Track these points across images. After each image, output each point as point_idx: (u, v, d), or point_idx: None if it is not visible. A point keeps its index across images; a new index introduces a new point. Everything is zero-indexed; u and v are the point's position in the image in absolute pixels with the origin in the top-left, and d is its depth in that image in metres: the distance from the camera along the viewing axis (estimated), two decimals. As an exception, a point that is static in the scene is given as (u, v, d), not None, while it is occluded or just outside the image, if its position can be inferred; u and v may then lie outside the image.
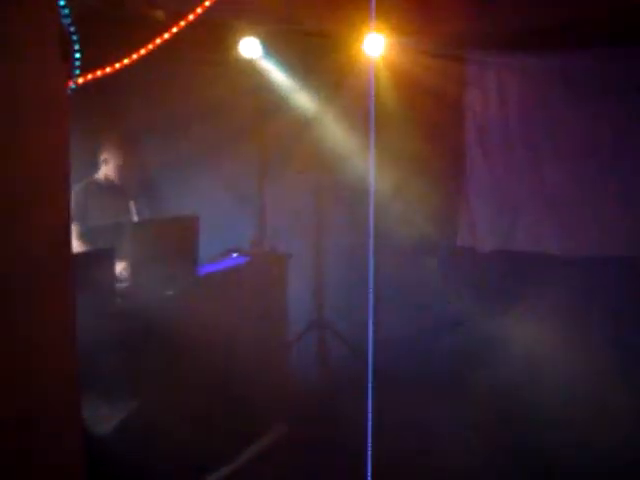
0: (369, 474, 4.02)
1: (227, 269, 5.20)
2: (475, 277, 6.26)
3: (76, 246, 4.44)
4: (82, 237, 4.77)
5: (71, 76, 2.42)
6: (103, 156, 5.19)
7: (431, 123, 6.17)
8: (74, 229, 4.87)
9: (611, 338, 5.58)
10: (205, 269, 5.03)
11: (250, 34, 5.85)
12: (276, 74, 5.94)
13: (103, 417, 3.21)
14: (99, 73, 2.92)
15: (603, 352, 5.37)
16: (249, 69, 5.91)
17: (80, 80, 2.53)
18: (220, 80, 5.88)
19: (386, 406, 5.59)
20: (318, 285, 6.29)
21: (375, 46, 5.73)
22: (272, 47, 5.90)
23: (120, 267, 4.45)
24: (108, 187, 5.18)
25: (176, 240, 4.53)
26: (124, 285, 4.31)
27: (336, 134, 6.02)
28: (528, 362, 5.64)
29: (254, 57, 5.91)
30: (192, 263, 4.64)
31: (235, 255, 5.70)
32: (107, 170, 5.16)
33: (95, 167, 5.23)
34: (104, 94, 6.07)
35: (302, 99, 6.01)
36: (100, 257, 4.06)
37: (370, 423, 4.32)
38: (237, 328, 5.07)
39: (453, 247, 6.44)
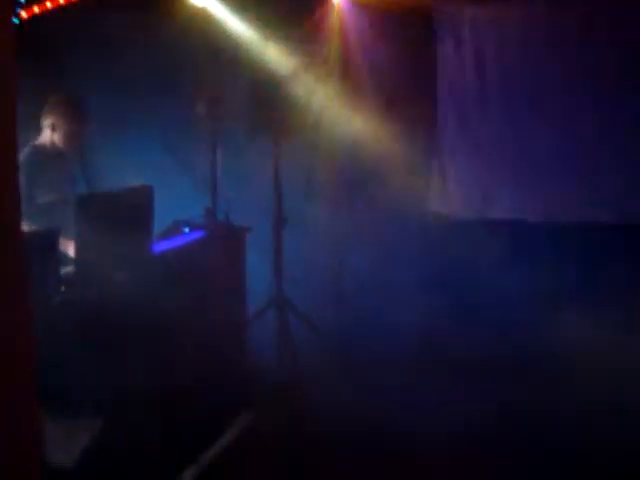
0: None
1: (181, 247, 4.64)
2: (448, 248, 5.86)
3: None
4: (28, 216, 4.14)
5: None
6: (49, 120, 4.57)
7: (401, 75, 5.69)
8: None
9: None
10: (157, 246, 4.46)
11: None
12: (232, 24, 5.33)
13: (61, 445, 2.63)
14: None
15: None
16: (200, 18, 5.27)
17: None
18: (168, 32, 5.27)
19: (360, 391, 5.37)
20: (277, 260, 5.78)
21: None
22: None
23: (64, 248, 3.87)
24: (55, 155, 4.59)
25: (128, 215, 3.93)
26: (70, 270, 3.73)
27: (299, 89, 5.46)
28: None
29: (205, 3, 5.28)
30: (146, 240, 4.06)
31: (187, 230, 5.15)
32: (54, 136, 4.57)
33: (37, 131, 4.64)
34: (45, 51, 5.52)
35: (262, 51, 5.41)
36: (42, 239, 3.46)
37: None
38: (193, 310, 4.58)
39: (425, 213, 6.01)
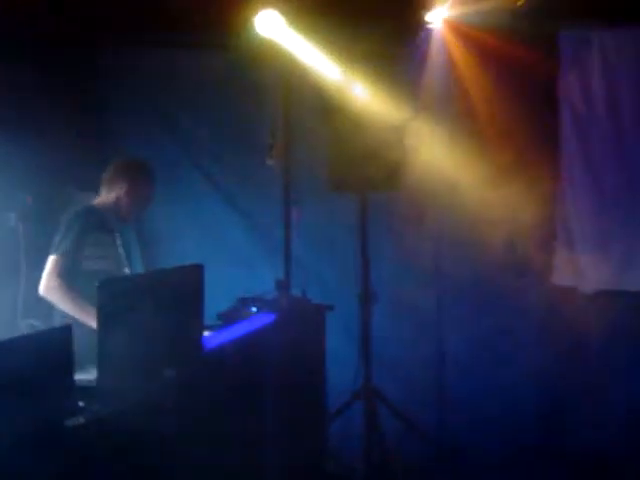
0: None
1: (245, 337, 3.72)
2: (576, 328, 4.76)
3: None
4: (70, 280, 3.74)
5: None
6: (121, 184, 4.05)
7: (515, 114, 4.72)
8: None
9: None
10: (214, 338, 3.58)
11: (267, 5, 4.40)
12: (311, 59, 4.46)
13: None
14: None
15: None
16: (269, 51, 4.44)
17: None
18: (234, 69, 4.50)
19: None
20: (365, 343, 4.80)
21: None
22: (298, 19, 4.45)
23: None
24: (114, 221, 4.08)
25: (168, 304, 3.05)
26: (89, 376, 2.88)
27: (389, 134, 4.54)
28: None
29: (275, 35, 4.46)
30: (194, 334, 3.19)
31: (255, 310, 4.26)
32: (121, 201, 4.07)
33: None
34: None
35: (348, 92, 4.52)
36: (50, 342, 2.61)
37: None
38: (259, 412, 3.69)
39: (547, 284, 4.94)
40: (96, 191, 4.82)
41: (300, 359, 4.12)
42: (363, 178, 4.59)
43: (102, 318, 2.72)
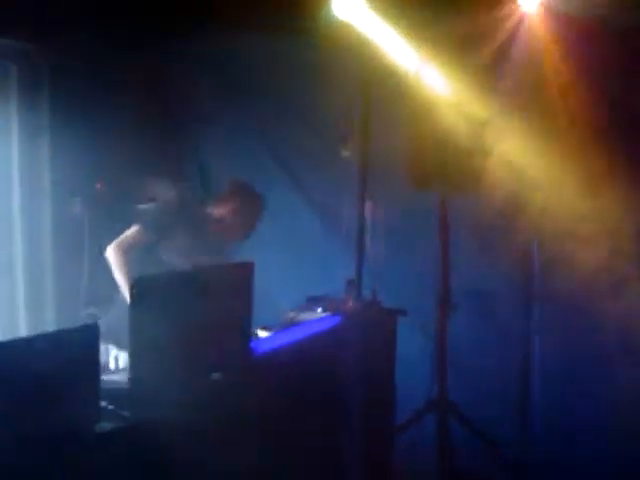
0: None
1: (305, 341, 3.47)
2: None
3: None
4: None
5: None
6: (228, 206, 3.94)
7: (611, 111, 4.20)
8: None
9: None
10: (270, 341, 3.34)
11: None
12: (388, 41, 4.16)
13: None
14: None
15: None
16: (347, 36, 4.14)
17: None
18: (310, 54, 4.26)
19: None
20: (441, 351, 4.47)
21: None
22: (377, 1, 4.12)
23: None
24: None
25: (219, 301, 2.86)
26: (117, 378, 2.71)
27: (478, 127, 4.17)
28: None
29: (353, 19, 4.17)
30: (241, 339, 2.95)
31: (320, 311, 3.99)
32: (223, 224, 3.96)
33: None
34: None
35: (427, 75, 4.18)
36: (75, 340, 2.41)
37: None
38: (319, 424, 3.43)
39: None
40: (170, 178, 4.75)
41: (367, 366, 3.82)
42: (445, 176, 4.26)
43: (134, 317, 2.54)
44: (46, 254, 4.16)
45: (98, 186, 4.39)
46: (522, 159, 4.22)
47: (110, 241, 3.97)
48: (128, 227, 3.90)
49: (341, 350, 3.62)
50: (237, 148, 4.97)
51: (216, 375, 2.82)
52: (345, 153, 4.17)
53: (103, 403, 2.43)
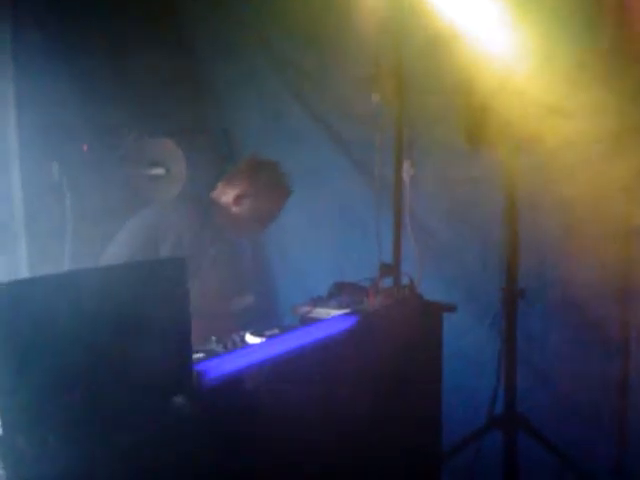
0: None
1: (302, 354, 2.55)
2: None
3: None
4: None
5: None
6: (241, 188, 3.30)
7: None
8: None
9: None
10: (249, 355, 2.52)
11: None
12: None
13: None
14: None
15: None
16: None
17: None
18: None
19: None
20: (509, 353, 3.50)
21: None
22: None
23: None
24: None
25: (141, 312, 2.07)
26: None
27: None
28: None
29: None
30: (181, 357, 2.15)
31: (338, 305, 3.12)
32: (234, 209, 3.32)
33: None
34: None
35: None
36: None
37: None
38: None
39: None
40: (171, 136, 3.98)
41: (403, 374, 2.97)
42: (508, 133, 3.26)
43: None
44: (18, 230, 3.48)
45: (85, 148, 3.67)
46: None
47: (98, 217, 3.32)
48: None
49: (350, 363, 2.75)
50: (263, 96, 4.14)
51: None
52: (375, 97, 3.24)
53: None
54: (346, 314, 2.93)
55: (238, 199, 3.26)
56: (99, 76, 3.57)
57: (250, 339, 2.80)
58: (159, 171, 4.01)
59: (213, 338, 2.73)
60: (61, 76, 3.45)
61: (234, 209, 3.28)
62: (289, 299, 3.81)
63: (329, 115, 4.01)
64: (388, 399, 2.88)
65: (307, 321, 3.04)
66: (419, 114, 3.25)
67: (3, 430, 1.87)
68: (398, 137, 3.25)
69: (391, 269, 3.30)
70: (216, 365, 2.43)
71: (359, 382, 2.70)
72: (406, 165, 3.27)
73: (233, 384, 2.30)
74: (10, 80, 3.34)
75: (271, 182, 3.31)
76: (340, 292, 3.32)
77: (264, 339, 2.77)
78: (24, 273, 3.52)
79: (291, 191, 3.35)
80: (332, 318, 2.92)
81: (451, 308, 3.18)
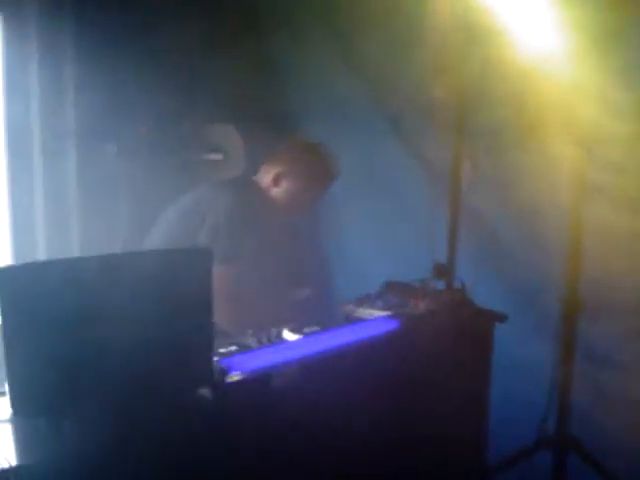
0: None
1: (335, 354, 2.48)
2: None
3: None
4: None
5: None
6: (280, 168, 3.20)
7: None
8: None
9: None
10: (281, 353, 2.45)
11: None
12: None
13: None
14: None
15: None
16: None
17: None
18: None
19: None
20: (564, 372, 3.32)
21: None
22: None
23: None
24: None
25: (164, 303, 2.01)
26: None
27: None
28: None
29: None
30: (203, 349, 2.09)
31: (383, 307, 3.00)
32: (273, 191, 3.21)
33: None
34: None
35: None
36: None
37: None
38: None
39: None
40: (231, 122, 3.92)
41: (440, 388, 2.83)
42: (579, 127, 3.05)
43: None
44: (71, 211, 3.49)
45: (143, 130, 3.65)
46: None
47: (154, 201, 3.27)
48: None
49: (387, 369, 2.63)
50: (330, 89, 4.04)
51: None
52: (438, 92, 3.10)
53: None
54: (389, 316, 2.82)
55: (277, 179, 3.15)
56: (160, 59, 3.53)
57: (287, 335, 2.74)
58: (217, 156, 4.01)
59: (250, 331, 2.69)
60: (121, 57, 3.44)
61: (273, 190, 3.17)
62: (346, 295, 3.73)
63: (395, 109, 3.89)
64: (427, 410, 2.76)
65: (351, 320, 2.97)
66: (482, 114, 3.11)
67: (17, 413, 1.88)
68: (458, 135, 3.11)
69: (444, 271, 3.18)
70: (245, 360, 2.38)
71: (396, 389, 2.58)
72: (466, 164, 3.13)
73: (258, 381, 2.24)
74: (70, 60, 3.36)
75: (312, 163, 3.19)
76: (390, 292, 3.22)
77: (302, 336, 2.74)
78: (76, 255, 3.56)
79: (335, 175, 3.24)
80: (375, 319, 2.82)
81: (502, 318, 3.02)
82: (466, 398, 2.96)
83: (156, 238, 3.15)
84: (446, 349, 2.77)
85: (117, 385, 1.88)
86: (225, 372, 2.17)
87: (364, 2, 3.70)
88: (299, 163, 3.16)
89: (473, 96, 3.06)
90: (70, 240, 3.54)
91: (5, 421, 1.89)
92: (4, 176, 3.41)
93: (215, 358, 2.36)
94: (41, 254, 3.51)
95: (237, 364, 2.32)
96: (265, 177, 3.21)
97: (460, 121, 3.08)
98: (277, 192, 3.17)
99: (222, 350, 2.50)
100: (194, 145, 3.84)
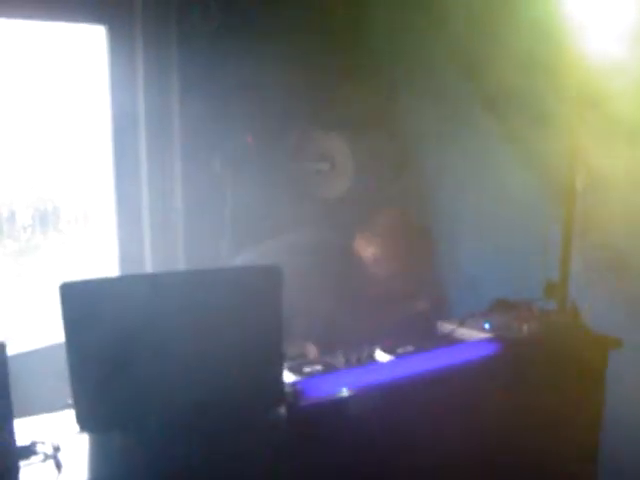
0: None
1: (425, 380, 2.34)
2: None
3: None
4: None
5: None
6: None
7: None
8: None
9: None
10: (370, 374, 2.34)
11: None
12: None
13: None
14: None
15: None
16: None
17: None
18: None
19: None
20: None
21: None
22: None
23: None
24: None
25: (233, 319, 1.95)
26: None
27: None
28: None
29: None
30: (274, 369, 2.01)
31: (487, 326, 2.82)
32: None
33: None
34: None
35: None
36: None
37: None
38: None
39: None
40: (340, 130, 3.82)
41: (542, 421, 2.61)
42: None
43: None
44: (176, 221, 3.52)
45: (249, 139, 3.64)
46: None
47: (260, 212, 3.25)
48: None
49: (482, 398, 2.44)
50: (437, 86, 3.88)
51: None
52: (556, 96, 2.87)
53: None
54: (490, 339, 2.66)
55: (375, 259, 3.01)
56: (265, 67, 3.51)
57: (379, 355, 2.63)
58: (324, 166, 3.94)
59: (339, 351, 2.60)
60: (226, 66, 3.46)
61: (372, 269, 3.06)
62: (460, 310, 3.58)
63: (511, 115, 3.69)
64: (525, 445, 2.56)
65: (449, 341, 2.81)
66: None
67: (83, 428, 1.87)
68: (572, 143, 2.88)
69: (555, 290, 2.96)
70: (327, 381, 2.29)
71: (489, 422, 2.40)
72: (580, 174, 2.90)
73: (335, 406, 2.15)
74: (175, 70, 3.40)
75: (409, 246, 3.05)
76: (497, 311, 3.04)
77: (394, 357, 2.62)
78: (180, 267, 3.59)
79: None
80: (473, 342, 2.66)
81: (617, 343, 2.76)
82: (571, 434, 2.73)
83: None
84: (551, 377, 2.57)
85: (183, 402, 1.86)
86: (299, 394, 2.10)
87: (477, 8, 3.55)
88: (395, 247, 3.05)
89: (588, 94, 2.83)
90: (175, 250, 3.59)
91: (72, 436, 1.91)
92: (112, 187, 3.52)
93: (295, 378, 2.31)
94: (147, 263, 3.59)
95: (317, 385, 2.25)
96: (363, 252, 3.13)
97: (575, 123, 2.85)
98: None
99: (307, 369, 2.46)
100: (301, 153, 3.80)
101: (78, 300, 1.76)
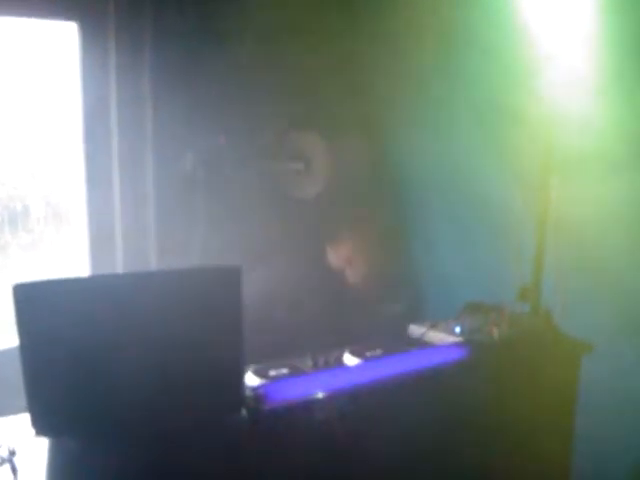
0: None
1: (394, 383, 2.35)
2: None
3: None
4: None
5: None
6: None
7: None
8: None
9: None
10: (336, 377, 2.34)
11: None
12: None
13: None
14: None
15: None
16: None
17: None
18: None
19: None
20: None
21: None
22: None
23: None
24: None
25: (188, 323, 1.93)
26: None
27: None
28: None
29: None
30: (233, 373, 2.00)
31: (458, 330, 2.82)
32: None
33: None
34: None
35: None
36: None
37: None
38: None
39: None
40: (318, 131, 3.81)
41: (510, 426, 2.60)
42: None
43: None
44: (148, 220, 3.50)
45: (221, 139, 3.62)
46: None
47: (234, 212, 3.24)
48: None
49: (449, 402, 2.42)
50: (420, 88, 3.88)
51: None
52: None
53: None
54: (459, 342, 2.65)
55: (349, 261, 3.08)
56: (239, 67, 3.50)
57: (347, 359, 2.62)
58: (299, 166, 3.92)
59: (307, 354, 2.59)
60: (200, 65, 3.45)
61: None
62: (435, 312, 3.58)
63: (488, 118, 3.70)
64: (495, 449, 2.56)
65: (419, 344, 2.81)
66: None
67: (38, 432, 1.86)
68: (547, 144, 2.88)
69: (529, 293, 2.96)
70: (291, 385, 2.28)
71: (458, 426, 2.41)
72: (554, 181, 2.90)
73: (299, 410, 2.14)
74: (148, 68, 3.37)
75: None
76: (470, 313, 3.04)
77: (362, 360, 2.61)
78: (152, 265, 3.57)
79: None
80: (443, 346, 2.66)
81: (588, 349, 2.75)
82: (544, 441, 2.74)
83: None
84: (519, 381, 2.57)
85: (139, 406, 1.84)
86: (261, 397, 2.09)
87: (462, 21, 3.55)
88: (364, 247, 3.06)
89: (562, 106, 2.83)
90: (147, 249, 3.57)
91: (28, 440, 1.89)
92: (83, 184, 3.49)
93: (260, 381, 2.30)
94: (118, 262, 3.57)
95: (281, 389, 2.24)
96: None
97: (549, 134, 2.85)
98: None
99: (272, 373, 2.45)
100: (274, 154, 3.79)
101: (32, 301, 1.75)
